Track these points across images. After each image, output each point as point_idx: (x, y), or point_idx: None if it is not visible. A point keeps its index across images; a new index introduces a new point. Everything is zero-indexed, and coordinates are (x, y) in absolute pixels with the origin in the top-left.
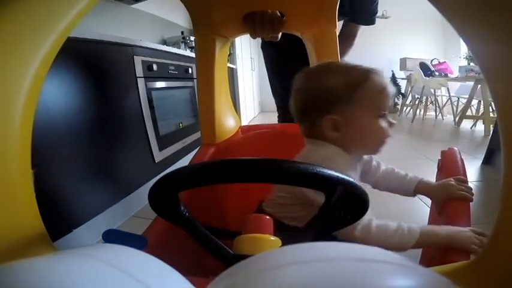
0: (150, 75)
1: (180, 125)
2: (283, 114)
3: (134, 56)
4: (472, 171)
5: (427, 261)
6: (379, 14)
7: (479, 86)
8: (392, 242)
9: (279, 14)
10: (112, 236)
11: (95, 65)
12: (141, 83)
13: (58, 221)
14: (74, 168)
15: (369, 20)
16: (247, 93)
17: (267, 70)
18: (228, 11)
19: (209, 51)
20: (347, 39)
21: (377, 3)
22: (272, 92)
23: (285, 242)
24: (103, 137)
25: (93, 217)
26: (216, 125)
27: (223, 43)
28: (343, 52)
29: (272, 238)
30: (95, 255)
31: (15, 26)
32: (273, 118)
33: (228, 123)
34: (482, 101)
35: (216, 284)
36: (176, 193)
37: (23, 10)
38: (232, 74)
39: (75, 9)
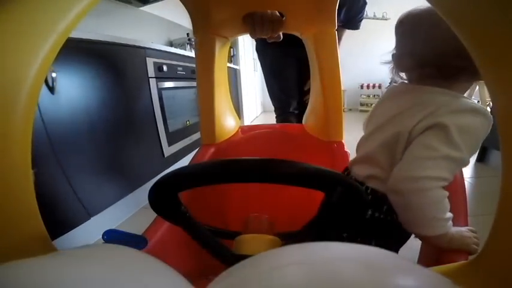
0: (161, 75)
1: (187, 122)
2: (282, 114)
3: (147, 58)
4: (467, 168)
5: (425, 261)
6: (379, 15)
7: (477, 86)
8: (432, 214)
9: (278, 14)
10: (112, 236)
11: (112, 66)
12: (152, 83)
13: (75, 210)
14: (91, 161)
15: (356, 26)
16: (249, 94)
17: (263, 72)
18: (228, 11)
19: (209, 51)
20: None
21: (363, 13)
22: (269, 94)
23: (285, 241)
24: (118, 132)
25: (107, 207)
26: (216, 125)
27: (223, 43)
28: None
29: (272, 238)
30: (94, 255)
31: (15, 26)
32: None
33: (227, 123)
34: (480, 102)
35: (216, 284)
36: (176, 193)
37: (23, 10)
38: (235, 75)
39: (75, 10)
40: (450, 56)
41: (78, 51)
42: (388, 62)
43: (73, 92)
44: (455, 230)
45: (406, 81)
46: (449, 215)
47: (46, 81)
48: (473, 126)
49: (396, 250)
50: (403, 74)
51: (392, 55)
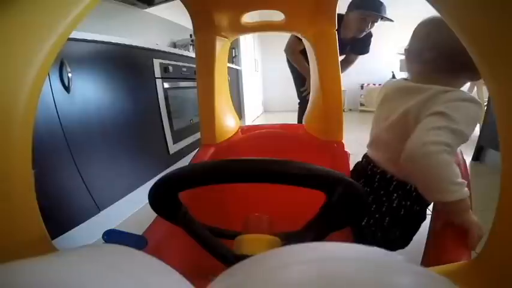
0: (166, 76)
1: (191, 121)
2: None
3: (154, 59)
4: None
5: (427, 262)
6: None
7: (475, 87)
8: (444, 177)
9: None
10: (112, 236)
11: (122, 66)
12: (159, 83)
13: (86, 204)
14: (101, 157)
15: (366, 51)
16: (251, 94)
17: (293, 78)
18: (228, 12)
19: (209, 51)
20: (347, 64)
21: (370, 42)
22: (297, 94)
23: (285, 241)
24: (126, 129)
25: (115, 202)
26: (216, 126)
27: (223, 43)
28: (343, 69)
29: (272, 238)
30: (94, 255)
31: (15, 26)
32: (276, 117)
33: (227, 123)
34: None
35: (216, 284)
36: (176, 193)
37: (23, 11)
38: (237, 75)
39: (75, 10)
40: (463, 52)
41: (90, 52)
42: (403, 54)
43: (86, 91)
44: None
45: (406, 79)
46: (461, 180)
47: (62, 81)
48: (461, 105)
49: (412, 236)
50: (415, 66)
51: (406, 50)
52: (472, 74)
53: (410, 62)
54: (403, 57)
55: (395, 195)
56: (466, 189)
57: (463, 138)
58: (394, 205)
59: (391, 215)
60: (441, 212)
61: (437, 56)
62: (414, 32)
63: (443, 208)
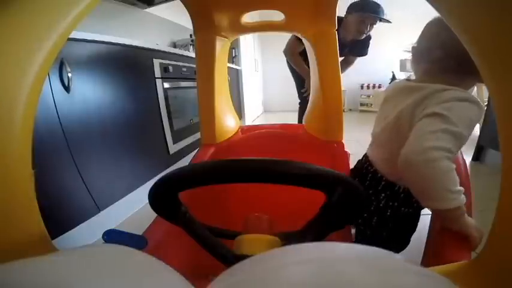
0: (166, 76)
1: (191, 121)
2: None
3: (154, 59)
4: None
5: (427, 262)
6: None
7: (475, 87)
8: (443, 185)
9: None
10: (112, 236)
11: (122, 66)
12: (159, 83)
13: (86, 204)
14: (101, 157)
15: (365, 53)
16: (251, 94)
17: (294, 79)
18: (228, 12)
19: (209, 51)
20: (346, 66)
21: (369, 43)
22: (298, 94)
23: (285, 241)
24: (126, 129)
25: (115, 202)
26: (216, 125)
27: (223, 43)
28: (343, 70)
29: (272, 238)
30: (94, 255)
31: (15, 26)
32: (276, 117)
33: (227, 123)
34: None
35: (217, 283)
36: (176, 193)
37: (23, 11)
38: (237, 75)
39: (75, 10)
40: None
41: (90, 52)
42: (409, 51)
43: (86, 91)
44: (471, 219)
45: (409, 79)
46: (459, 188)
47: (62, 81)
48: (459, 105)
49: (409, 238)
50: (422, 66)
51: (413, 47)
52: (478, 75)
53: (417, 61)
54: (403, 56)
55: (383, 195)
56: (463, 196)
57: (463, 140)
58: (381, 205)
59: (378, 215)
60: (438, 216)
61: (445, 56)
62: (423, 31)
63: (439, 214)
